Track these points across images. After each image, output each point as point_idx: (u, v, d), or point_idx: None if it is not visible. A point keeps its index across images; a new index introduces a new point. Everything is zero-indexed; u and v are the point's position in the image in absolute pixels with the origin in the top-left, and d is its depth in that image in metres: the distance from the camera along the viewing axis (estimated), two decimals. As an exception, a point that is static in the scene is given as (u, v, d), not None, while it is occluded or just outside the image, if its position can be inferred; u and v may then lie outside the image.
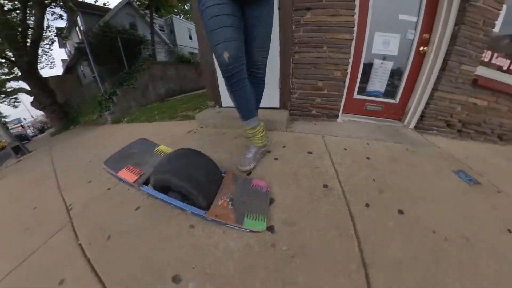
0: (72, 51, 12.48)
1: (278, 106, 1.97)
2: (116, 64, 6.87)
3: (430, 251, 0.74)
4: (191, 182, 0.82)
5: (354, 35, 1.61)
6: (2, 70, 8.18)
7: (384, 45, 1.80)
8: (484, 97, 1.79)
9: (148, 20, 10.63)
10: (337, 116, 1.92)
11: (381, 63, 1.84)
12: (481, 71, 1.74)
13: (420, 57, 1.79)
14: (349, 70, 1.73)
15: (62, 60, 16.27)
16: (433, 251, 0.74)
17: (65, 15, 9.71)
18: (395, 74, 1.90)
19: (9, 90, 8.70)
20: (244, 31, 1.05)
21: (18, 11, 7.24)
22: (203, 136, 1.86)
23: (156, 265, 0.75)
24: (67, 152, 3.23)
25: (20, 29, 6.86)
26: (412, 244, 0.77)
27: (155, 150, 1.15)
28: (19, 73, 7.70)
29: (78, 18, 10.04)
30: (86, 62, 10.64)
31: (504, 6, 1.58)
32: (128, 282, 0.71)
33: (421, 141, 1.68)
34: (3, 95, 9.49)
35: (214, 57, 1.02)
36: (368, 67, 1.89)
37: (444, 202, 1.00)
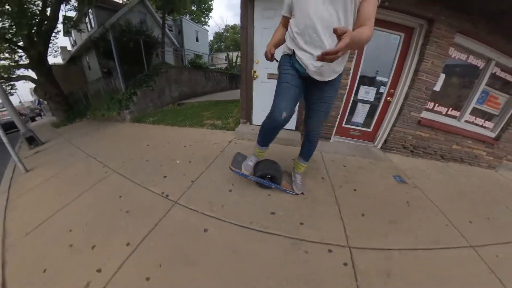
0: (77, 41, 12.55)
1: (294, 128, 2.92)
2: (131, 64, 7.28)
3: (364, 204, 1.72)
4: (277, 172, 1.75)
5: (347, 90, 2.58)
6: (13, 57, 8.24)
7: (365, 94, 2.77)
8: (426, 131, 2.79)
9: (157, 18, 10.97)
10: (330, 138, 2.90)
11: (362, 105, 2.81)
12: (426, 115, 2.75)
13: (387, 104, 2.77)
14: (340, 111, 2.70)
15: (61, 48, 15.98)
16: (365, 204, 1.73)
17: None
18: (370, 112, 2.88)
19: (13, 76, 8.68)
20: (307, 103, 1.42)
21: (36, 2, 7.34)
22: (244, 147, 2.67)
23: (261, 210, 1.58)
24: (102, 147, 3.48)
25: (37, 19, 6.93)
26: (358, 201, 1.76)
27: (252, 156, 1.82)
28: (28, 61, 7.69)
29: (90, 12, 10.26)
30: (93, 55, 10.86)
31: (442, 75, 2.56)
32: (252, 218, 1.51)
33: (382, 157, 2.68)
34: (8, 83, 9.39)
35: (272, 107, 1.33)
36: (354, 106, 2.87)
37: (378, 188, 1.98)
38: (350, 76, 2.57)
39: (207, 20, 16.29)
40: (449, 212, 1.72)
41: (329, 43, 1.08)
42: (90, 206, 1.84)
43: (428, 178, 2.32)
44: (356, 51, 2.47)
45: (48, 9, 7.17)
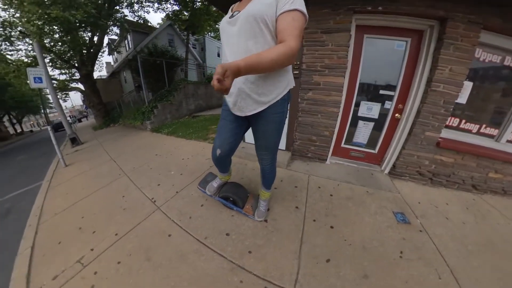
0: (118, 59, 14.56)
1: (284, 148, 2.68)
2: (156, 81, 8.12)
3: (336, 247, 1.42)
4: (238, 196, 1.72)
5: (341, 108, 2.28)
6: (69, 72, 10.14)
7: (368, 110, 2.40)
8: (449, 155, 2.25)
9: (183, 37, 12.11)
10: (326, 159, 2.55)
11: (364, 124, 2.44)
12: (447, 134, 2.23)
13: (395, 122, 2.35)
14: (336, 130, 2.38)
15: (106, 63, 18.76)
16: (338, 247, 1.42)
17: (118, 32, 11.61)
18: (376, 131, 2.47)
19: (68, 88, 10.59)
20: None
21: (86, 31, 8.88)
22: (233, 164, 2.60)
23: (219, 229, 1.62)
24: (123, 152, 4.09)
25: (88, 45, 8.52)
26: (330, 242, 1.47)
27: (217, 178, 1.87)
28: (79, 76, 9.50)
29: (129, 35, 11.84)
30: (129, 71, 12.44)
31: (468, 84, 2.06)
32: (208, 234, 1.59)
33: (386, 186, 2.21)
34: (64, 92, 11.51)
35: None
36: (355, 124, 2.51)
37: (365, 228, 1.60)
38: (344, 92, 2.27)
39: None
40: (464, 273, 1.27)
41: (241, 82, 1.04)
42: (100, 200, 2.30)
43: (445, 218, 1.80)
44: (348, 64, 2.18)
45: (95, 37, 8.67)
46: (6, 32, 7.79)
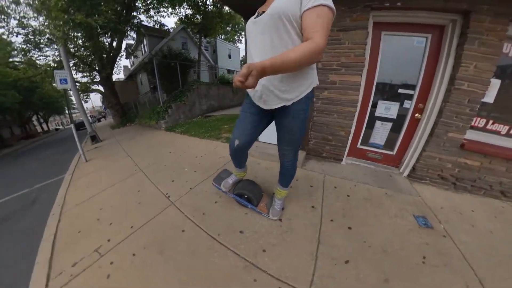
0: (135, 62, 15.21)
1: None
2: (170, 82, 8.40)
3: (355, 249, 1.37)
4: (253, 194, 1.71)
5: (358, 108, 2.22)
6: (91, 76, 10.80)
7: (385, 110, 2.32)
8: (475, 159, 2.10)
9: (196, 40, 12.42)
10: (341, 160, 2.49)
11: (382, 124, 2.36)
12: (472, 135, 2.09)
13: (415, 122, 2.25)
14: (352, 130, 2.32)
15: (124, 66, 19.79)
16: (357, 249, 1.36)
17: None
18: (394, 131, 2.38)
19: (89, 89, 11.26)
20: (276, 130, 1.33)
21: (106, 36, 9.42)
22: (247, 163, 2.63)
23: (232, 226, 1.62)
24: (139, 149, 4.29)
25: (108, 50, 9.08)
26: (348, 243, 1.42)
27: (232, 174, 1.90)
28: (99, 79, 10.17)
29: (144, 40, 12.34)
30: (145, 73, 12.98)
31: (496, 82, 1.93)
32: (221, 231, 1.58)
33: (405, 189, 2.11)
34: (85, 93, 12.29)
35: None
36: (372, 124, 2.43)
37: (385, 230, 1.54)
38: (361, 91, 2.21)
39: (241, 38, 17.53)
40: (492, 284, 1.18)
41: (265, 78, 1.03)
42: (117, 194, 2.42)
43: (470, 226, 1.69)
44: (365, 63, 2.13)
45: (114, 42, 9.17)
46: (36, 39, 8.45)
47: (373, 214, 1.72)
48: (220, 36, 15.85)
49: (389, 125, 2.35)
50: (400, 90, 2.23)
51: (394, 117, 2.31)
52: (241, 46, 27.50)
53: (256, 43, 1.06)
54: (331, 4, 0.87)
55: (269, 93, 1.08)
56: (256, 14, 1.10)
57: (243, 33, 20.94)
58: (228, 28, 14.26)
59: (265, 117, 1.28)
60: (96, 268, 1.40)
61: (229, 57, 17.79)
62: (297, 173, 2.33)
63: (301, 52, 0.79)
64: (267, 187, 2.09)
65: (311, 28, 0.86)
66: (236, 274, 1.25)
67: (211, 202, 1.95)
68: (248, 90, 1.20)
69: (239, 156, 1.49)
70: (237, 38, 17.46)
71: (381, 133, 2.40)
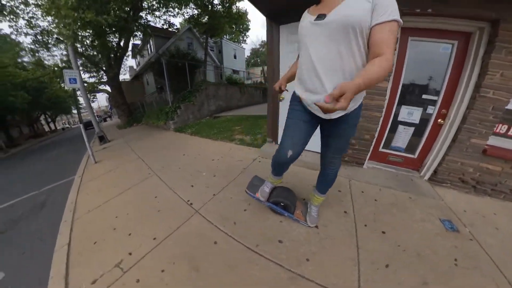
0: (141, 62, 15.22)
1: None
2: (177, 82, 8.37)
3: (391, 253, 1.41)
4: (289, 201, 1.69)
5: (383, 113, 2.27)
6: (98, 77, 10.85)
7: (408, 115, 2.37)
8: (496, 164, 2.14)
9: (202, 41, 12.43)
10: (363, 164, 2.55)
11: (404, 128, 2.40)
12: (495, 141, 2.12)
13: (437, 127, 2.29)
14: (376, 134, 2.36)
15: (129, 67, 19.83)
16: (393, 253, 1.41)
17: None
18: (416, 136, 2.42)
19: (97, 89, 11.32)
20: (322, 134, 1.32)
21: (114, 36, 9.46)
22: (267, 167, 2.60)
23: (268, 235, 1.57)
24: (150, 151, 4.16)
25: (115, 49, 9.12)
26: (384, 247, 1.46)
27: (267, 182, 1.83)
28: (106, 79, 10.24)
29: (151, 40, 12.35)
30: (151, 73, 12.99)
31: None
32: (258, 241, 1.51)
33: (428, 192, 2.17)
34: (92, 93, 12.40)
35: (279, 144, 1.34)
36: (394, 128, 2.47)
37: (415, 234, 1.59)
38: (387, 97, 2.25)
39: (245, 38, 17.56)
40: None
41: (331, 88, 0.99)
42: (133, 200, 2.25)
43: (495, 229, 1.73)
44: (392, 68, 2.17)
45: (121, 42, 9.21)
46: (44, 39, 8.51)
47: (400, 218, 1.78)
48: (225, 36, 15.87)
49: (411, 129, 2.40)
50: (424, 96, 2.28)
51: (417, 122, 2.35)
52: (246, 47, 28.13)
53: (318, 48, 0.99)
54: (401, 20, 0.84)
55: None
56: (310, 15, 1.05)
57: (247, 34, 20.95)
58: (233, 27, 14.23)
59: (316, 124, 1.26)
60: (120, 286, 1.26)
61: (235, 57, 17.88)
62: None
63: (383, 69, 0.79)
64: (297, 192, 2.10)
65: (384, 43, 0.83)
66: (281, 286, 1.20)
67: (239, 210, 1.86)
68: (303, 97, 1.15)
69: (287, 165, 1.43)
70: (241, 39, 17.49)
71: (403, 137, 2.45)
